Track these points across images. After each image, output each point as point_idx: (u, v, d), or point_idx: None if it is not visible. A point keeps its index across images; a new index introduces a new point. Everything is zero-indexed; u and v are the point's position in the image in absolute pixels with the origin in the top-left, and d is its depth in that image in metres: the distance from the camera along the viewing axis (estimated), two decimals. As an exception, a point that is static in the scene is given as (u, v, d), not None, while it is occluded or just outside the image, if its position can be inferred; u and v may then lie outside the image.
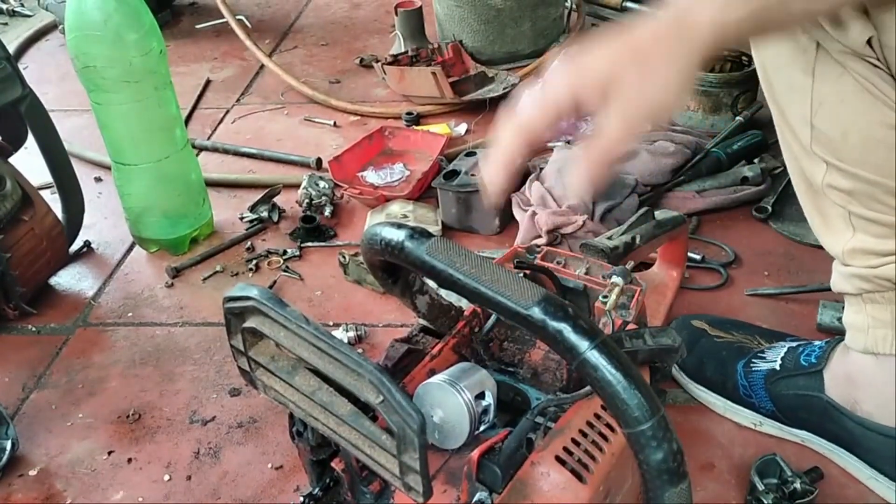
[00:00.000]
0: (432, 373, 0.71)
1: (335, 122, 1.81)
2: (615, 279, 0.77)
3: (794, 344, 1.00)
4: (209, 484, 1.01)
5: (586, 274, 0.81)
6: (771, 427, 1.00)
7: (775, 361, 0.98)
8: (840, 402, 0.92)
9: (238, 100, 1.96)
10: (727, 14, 0.59)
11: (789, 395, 0.95)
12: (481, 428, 0.66)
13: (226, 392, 1.14)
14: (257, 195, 1.50)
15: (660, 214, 0.99)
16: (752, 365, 1.00)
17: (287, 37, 2.27)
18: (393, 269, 0.68)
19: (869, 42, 0.69)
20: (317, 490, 0.68)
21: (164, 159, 1.35)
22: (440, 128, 1.69)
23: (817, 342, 0.98)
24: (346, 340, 1.19)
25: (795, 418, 0.97)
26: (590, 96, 0.60)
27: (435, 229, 1.38)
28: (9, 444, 1.04)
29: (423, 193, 1.49)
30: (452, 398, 0.64)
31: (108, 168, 1.48)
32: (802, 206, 0.87)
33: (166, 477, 1.03)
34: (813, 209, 0.86)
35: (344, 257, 1.32)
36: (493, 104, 1.75)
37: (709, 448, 0.99)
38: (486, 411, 0.66)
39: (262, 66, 2.05)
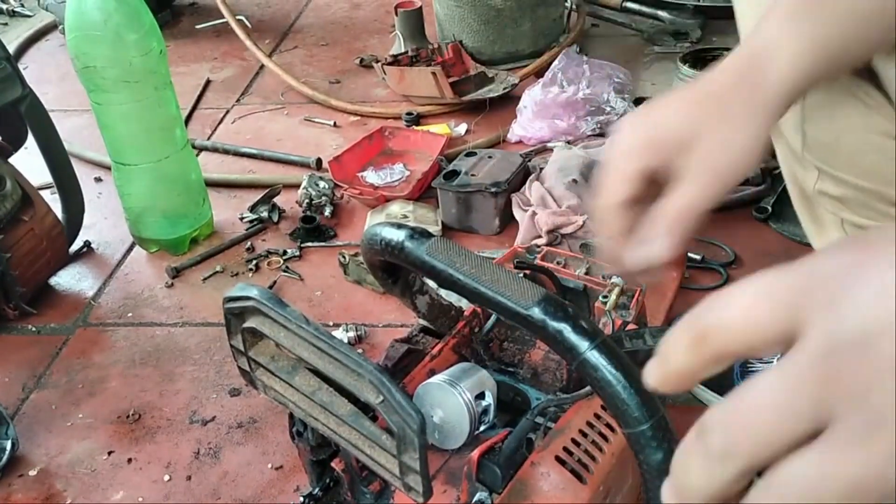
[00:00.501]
0: (432, 373, 0.71)
1: (335, 123, 1.81)
2: (615, 279, 0.77)
3: None
4: (209, 484, 1.01)
5: (586, 274, 0.81)
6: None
7: (772, 362, 0.98)
8: None
9: (238, 100, 1.96)
10: (804, 55, 0.57)
11: None
12: (481, 428, 0.66)
13: (226, 392, 1.14)
14: (257, 195, 1.50)
15: (660, 214, 0.99)
16: (749, 365, 1.00)
17: (287, 37, 2.27)
18: (393, 269, 0.68)
19: None
20: (317, 490, 0.68)
21: (164, 159, 1.35)
22: (440, 128, 1.69)
23: None
24: (346, 340, 1.18)
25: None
26: (667, 154, 0.57)
27: (435, 229, 1.38)
28: (9, 444, 1.04)
29: (423, 193, 1.49)
30: (452, 398, 0.64)
31: (108, 168, 1.48)
32: (797, 211, 0.87)
33: (166, 477, 1.03)
34: (807, 215, 0.85)
35: (344, 257, 1.32)
36: (493, 104, 1.75)
37: (709, 448, 0.99)
38: (486, 411, 0.66)
39: (262, 67, 2.05)
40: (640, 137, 0.59)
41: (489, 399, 0.66)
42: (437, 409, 0.65)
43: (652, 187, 0.59)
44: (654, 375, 0.36)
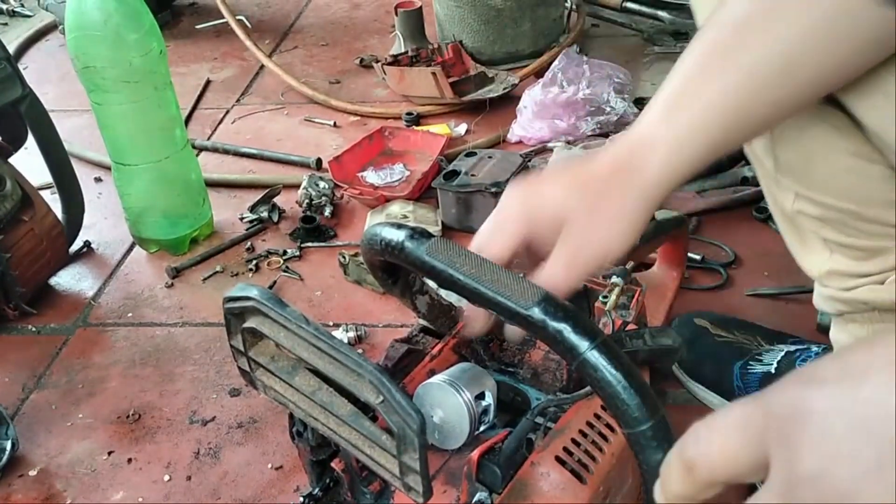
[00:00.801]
0: (432, 373, 0.71)
1: (335, 123, 1.81)
2: (615, 279, 0.77)
3: (793, 348, 1.00)
4: (209, 484, 1.01)
5: (586, 274, 0.81)
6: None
7: (771, 365, 0.98)
8: None
9: (238, 100, 1.96)
10: (678, 153, 0.60)
11: None
12: (481, 428, 0.66)
13: (226, 392, 1.14)
14: (257, 195, 1.50)
15: (660, 214, 0.99)
16: (748, 367, 1.00)
17: (287, 37, 2.27)
18: (393, 270, 0.68)
19: None
20: (317, 490, 0.68)
21: (163, 159, 1.35)
22: (440, 128, 1.69)
23: (815, 348, 0.98)
24: (346, 341, 1.18)
25: None
26: (542, 229, 0.60)
27: (435, 229, 1.38)
28: (9, 445, 1.04)
29: (423, 194, 1.49)
30: (452, 398, 0.64)
31: (108, 168, 1.48)
32: (780, 229, 0.87)
33: (166, 477, 1.03)
34: (789, 232, 0.85)
35: (344, 257, 1.32)
36: (493, 104, 1.75)
37: (709, 448, 0.99)
38: (486, 411, 0.66)
39: (262, 67, 2.05)
40: (520, 208, 0.61)
41: (489, 399, 0.66)
42: (438, 409, 0.64)
43: (534, 256, 0.63)
44: (660, 497, 0.40)
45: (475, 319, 0.65)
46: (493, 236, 0.62)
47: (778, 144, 0.75)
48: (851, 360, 0.34)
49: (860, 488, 0.31)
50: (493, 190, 1.35)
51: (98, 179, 1.66)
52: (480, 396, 0.66)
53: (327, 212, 1.47)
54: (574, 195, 0.61)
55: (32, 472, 1.05)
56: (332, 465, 0.65)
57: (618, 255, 0.62)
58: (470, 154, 1.47)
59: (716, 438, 0.37)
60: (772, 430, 0.35)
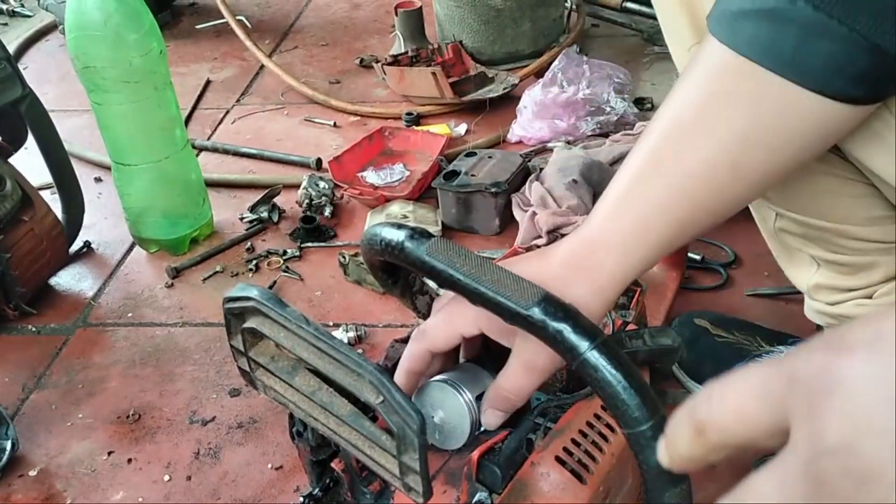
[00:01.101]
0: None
1: (335, 123, 1.81)
2: (615, 279, 0.76)
3: (793, 349, 1.00)
4: (209, 484, 1.01)
5: (586, 274, 0.81)
6: None
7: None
8: None
9: (238, 100, 1.96)
10: (628, 253, 0.60)
11: None
12: (482, 428, 0.66)
13: (226, 392, 1.14)
14: (257, 195, 1.50)
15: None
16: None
17: (287, 37, 2.27)
18: (393, 270, 0.68)
19: None
20: (317, 490, 0.68)
21: (163, 159, 1.35)
22: (440, 128, 1.69)
23: None
24: (346, 341, 1.18)
25: None
26: (495, 333, 0.60)
27: (435, 229, 1.38)
28: (9, 445, 1.04)
29: (423, 194, 1.49)
30: (453, 399, 0.64)
31: (108, 168, 1.48)
32: (768, 243, 0.87)
33: (166, 477, 1.03)
34: (777, 247, 0.85)
35: (344, 257, 1.32)
36: (493, 104, 1.75)
37: (709, 448, 0.99)
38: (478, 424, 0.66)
39: (262, 67, 2.05)
40: (473, 311, 0.59)
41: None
42: (438, 409, 0.64)
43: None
44: (664, 457, 0.38)
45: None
46: (440, 330, 0.61)
47: None
48: (886, 325, 0.31)
49: (890, 465, 0.29)
50: (493, 190, 1.35)
51: (98, 179, 1.66)
52: (481, 397, 0.65)
53: (327, 212, 1.47)
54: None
55: (32, 472, 1.05)
56: (332, 465, 0.65)
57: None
58: (470, 154, 1.47)
59: (731, 400, 0.35)
60: (795, 397, 0.33)
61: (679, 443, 0.37)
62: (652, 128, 0.62)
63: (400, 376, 0.63)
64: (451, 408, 0.64)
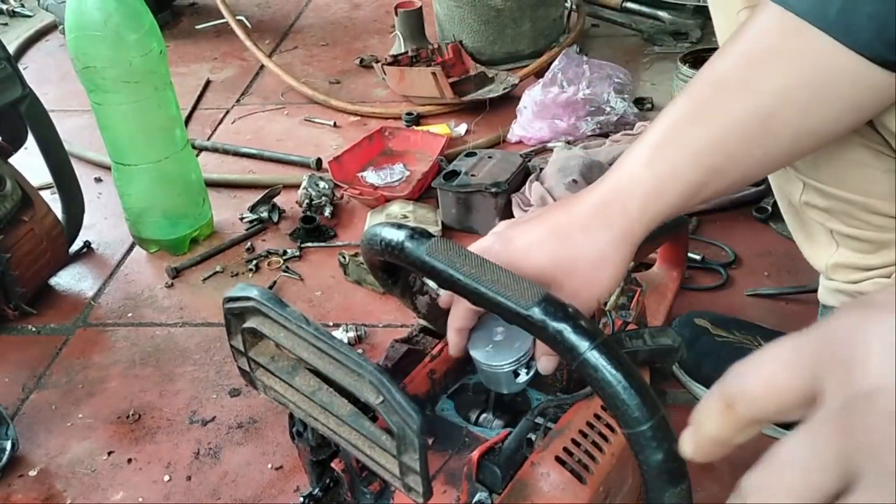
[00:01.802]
0: (432, 373, 0.71)
1: (335, 123, 1.81)
2: (615, 279, 0.76)
3: None
4: (209, 484, 1.01)
5: (586, 274, 0.81)
6: (767, 428, 0.99)
7: None
8: None
9: (238, 100, 1.96)
10: (657, 199, 0.61)
11: None
12: (521, 375, 0.66)
13: (226, 392, 1.14)
14: (257, 195, 1.50)
15: (660, 215, 0.99)
16: None
17: (287, 37, 2.27)
18: (393, 270, 0.68)
19: None
20: (317, 490, 0.68)
21: (163, 160, 1.35)
22: (440, 128, 1.69)
23: None
24: (346, 341, 1.18)
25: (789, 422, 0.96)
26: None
27: (435, 229, 1.38)
28: (9, 445, 1.04)
29: (423, 194, 1.49)
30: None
31: (108, 168, 1.48)
32: (786, 221, 0.87)
33: (166, 477, 1.03)
34: (796, 225, 0.85)
35: (344, 257, 1.32)
36: (493, 104, 1.75)
37: (709, 448, 0.99)
38: (530, 362, 0.66)
39: (262, 67, 2.05)
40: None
41: (534, 365, 0.66)
42: (499, 328, 0.65)
43: None
44: (689, 443, 0.38)
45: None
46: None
47: None
48: None
49: None
50: (493, 190, 1.35)
51: (98, 179, 1.66)
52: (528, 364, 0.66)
53: (327, 212, 1.47)
54: (558, 251, 0.61)
55: (32, 473, 1.05)
56: (332, 465, 0.65)
57: (606, 296, 0.63)
58: (470, 154, 1.47)
59: (762, 371, 0.35)
60: (826, 356, 0.33)
61: (707, 422, 0.37)
62: (694, 80, 0.64)
63: (451, 336, 0.65)
64: (515, 329, 0.64)
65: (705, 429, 0.37)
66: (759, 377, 0.35)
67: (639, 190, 0.62)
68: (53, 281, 1.39)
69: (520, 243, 0.62)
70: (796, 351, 0.34)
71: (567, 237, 0.61)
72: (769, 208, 1.36)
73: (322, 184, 1.49)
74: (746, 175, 0.65)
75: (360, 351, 1.15)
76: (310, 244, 1.42)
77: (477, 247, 0.63)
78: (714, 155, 0.62)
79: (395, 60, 1.85)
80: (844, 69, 0.58)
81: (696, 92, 0.64)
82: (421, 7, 1.93)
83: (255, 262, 1.39)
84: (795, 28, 0.59)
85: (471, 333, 0.66)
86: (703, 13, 2.00)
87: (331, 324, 1.24)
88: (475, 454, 0.61)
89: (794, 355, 0.34)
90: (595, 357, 0.51)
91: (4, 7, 2.57)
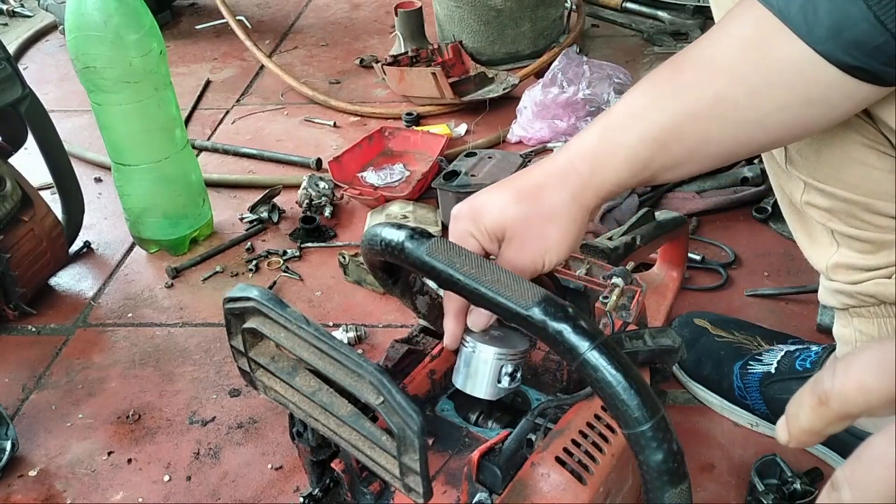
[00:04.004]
0: (432, 373, 0.71)
1: (335, 123, 1.81)
2: (615, 280, 0.77)
3: (793, 348, 1.00)
4: (209, 484, 1.01)
5: (587, 275, 0.81)
6: (766, 428, 1.00)
7: (771, 364, 0.98)
8: None
9: (238, 100, 1.96)
10: (605, 165, 0.65)
11: (782, 399, 0.95)
12: (503, 382, 0.66)
13: (226, 393, 1.14)
14: (257, 196, 1.50)
15: (660, 215, 0.99)
16: (748, 367, 1.00)
17: (287, 37, 2.27)
18: (393, 270, 0.68)
19: None
20: (317, 491, 0.68)
21: (163, 160, 1.35)
22: (440, 128, 1.69)
23: (815, 347, 0.98)
24: (346, 341, 1.19)
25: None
26: (488, 243, 0.66)
27: (435, 230, 1.38)
28: (9, 445, 1.04)
29: (423, 194, 1.49)
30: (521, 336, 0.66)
31: (108, 168, 1.48)
32: (787, 221, 0.87)
33: (166, 477, 1.03)
34: (797, 224, 0.85)
35: (344, 258, 1.32)
36: (493, 104, 1.75)
37: (709, 448, 0.99)
38: (516, 371, 0.66)
39: (262, 67, 2.05)
40: (465, 228, 0.66)
41: (519, 374, 0.67)
42: (501, 331, 0.67)
43: None
44: (784, 432, 0.44)
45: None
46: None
47: None
48: None
49: None
50: (493, 190, 1.35)
51: (98, 179, 1.66)
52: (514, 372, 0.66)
53: (327, 212, 1.47)
54: (513, 206, 0.65)
55: (32, 473, 1.05)
56: (332, 465, 0.65)
57: (555, 259, 0.66)
58: (470, 154, 1.47)
59: (853, 372, 0.40)
60: None
61: (801, 415, 0.42)
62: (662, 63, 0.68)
63: (448, 323, 0.67)
64: (513, 333, 0.66)
65: (800, 421, 0.42)
66: (851, 378, 0.40)
67: (588, 154, 0.65)
68: (53, 281, 1.39)
69: (481, 199, 0.67)
70: (883, 357, 0.40)
71: (522, 196, 0.65)
72: (769, 208, 1.36)
73: (322, 184, 1.49)
74: (695, 156, 0.66)
75: (360, 351, 1.15)
76: (310, 244, 1.42)
77: (454, 210, 0.68)
78: (662, 130, 0.64)
79: (395, 60, 1.85)
80: (798, 61, 0.59)
81: (656, 71, 0.67)
82: (421, 7, 1.93)
83: (255, 262, 1.39)
84: (764, 18, 0.60)
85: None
86: (703, 13, 2.00)
87: (331, 324, 1.24)
88: (475, 454, 0.61)
89: (880, 361, 0.40)
90: (595, 357, 0.51)
91: (4, 7, 2.57)
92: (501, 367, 0.65)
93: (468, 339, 0.66)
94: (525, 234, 0.65)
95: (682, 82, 0.64)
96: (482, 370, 0.65)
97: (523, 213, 0.65)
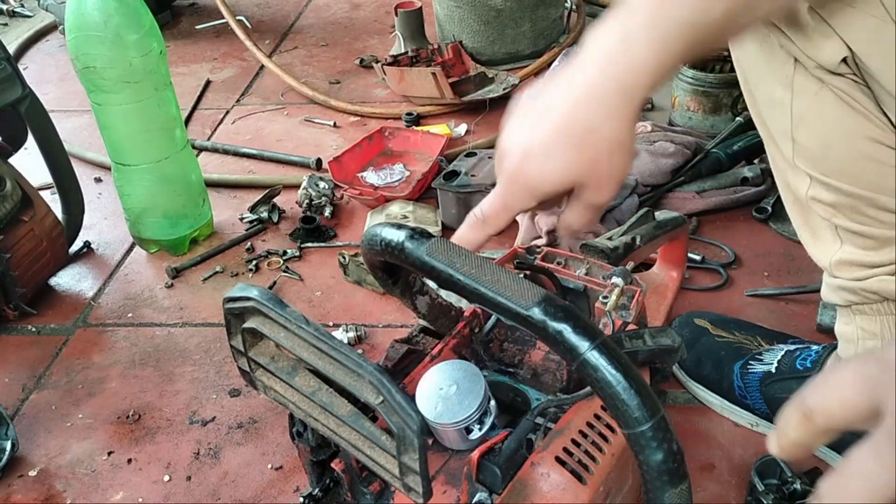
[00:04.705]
0: (432, 373, 0.71)
1: (335, 123, 1.81)
2: (615, 280, 0.77)
3: (793, 347, 1.00)
4: (209, 484, 1.01)
5: (586, 275, 0.81)
6: (766, 428, 1.00)
7: (772, 364, 0.98)
8: None
9: (238, 100, 1.96)
10: (665, 51, 0.60)
11: (783, 399, 0.95)
12: (474, 432, 0.65)
13: (226, 393, 1.14)
14: (257, 196, 1.50)
15: (660, 215, 0.99)
16: (748, 367, 1.00)
17: (287, 37, 2.27)
18: (393, 270, 0.68)
19: (845, 60, 0.68)
20: (317, 491, 0.68)
21: (163, 160, 1.35)
22: (440, 128, 1.69)
23: (815, 347, 0.98)
24: (345, 341, 1.18)
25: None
26: (554, 200, 0.66)
27: (435, 230, 1.38)
28: (9, 445, 1.04)
29: (423, 194, 1.49)
30: (476, 377, 0.64)
31: (108, 168, 1.48)
32: (791, 217, 0.87)
33: (166, 477, 1.03)
34: (801, 220, 0.85)
35: (344, 258, 1.32)
36: (493, 105, 1.76)
37: (709, 448, 0.99)
38: (483, 417, 0.65)
39: (262, 67, 2.05)
40: (521, 203, 0.67)
41: (490, 416, 0.66)
42: (454, 385, 0.65)
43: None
44: (775, 446, 0.46)
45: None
46: (498, 215, 0.68)
47: (798, 128, 0.75)
48: None
49: None
50: (493, 190, 1.35)
51: (98, 179, 1.66)
52: (485, 413, 0.65)
53: (327, 212, 1.47)
54: (571, 160, 0.62)
55: (32, 473, 1.05)
56: (332, 465, 0.65)
57: (627, 171, 0.64)
58: (470, 154, 1.47)
59: (834, 388, 0.43)
60: (885, 379, 0.40)
61: (789, 430, 0.44)
62: None
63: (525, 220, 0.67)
64: (469, 380, 0.64)
65: (788, 435, 0.45)
66: (832, 394, 0.43)
67: (642, 72, 0.60)
68: (53, 281, 1.39)
69: (527, 165, 0.64)
70: (862, 372, 0.42)
71: (576, 136, 0.61)
72: (769, 208, 1.36)
73: (322, 184, 1.49)
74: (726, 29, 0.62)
75: (360, 351, 1.15)
76: (310, 244, 1.42)
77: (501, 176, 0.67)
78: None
79: (395, 60, 1.85)
80: None
81: None
82: (421, 7, 1.93)
83: (255, 262, 1.39)
84: None
85: (419, 388, 0.65)
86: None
87: (331, 324, 1.24)
88: (475, 454, 0.61)
89: (861, 377, 0.42)
90: (595, 357, 0.51)
91: (4, 7, 2.57)
92: (465, 427, 0.64)
93: (424, 415, 0.64)
94: (595, 174, 0.62)
95: None
96: (451, 438, 0.65)
97: (587, 160, 0.62)
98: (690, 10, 0.59)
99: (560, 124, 0.62)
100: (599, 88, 0.61)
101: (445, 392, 0.64)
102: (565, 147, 0.62)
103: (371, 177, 1.54)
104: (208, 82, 2.04)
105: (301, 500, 0.68)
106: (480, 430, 0.65)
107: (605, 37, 0.61)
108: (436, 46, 1.88)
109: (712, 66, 1.57)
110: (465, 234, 0.68)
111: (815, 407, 0.43)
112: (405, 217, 1.40)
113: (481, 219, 0.67)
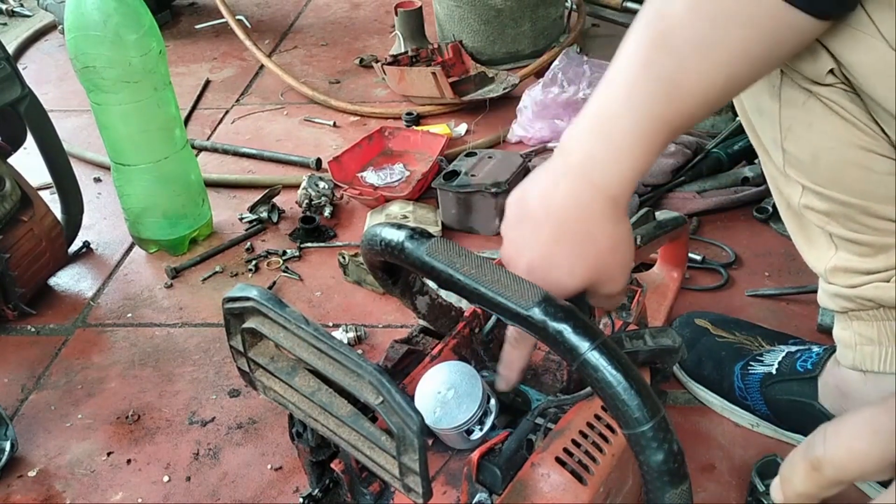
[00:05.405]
0: (432, 373, 0.71)
1: (335, 123, 1.81)
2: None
3: (794, 349, 1.00)
4: (208, 485, 1.01)
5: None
6: (767, 429, 0.99)
7: (772, 365, 0.98)
8: (832, 411, 0.91)
9: (237, 100, 1.95)
10: (633, 160, 0.61)
11: (783, 400, 0.95)
12: (475, 433, 0.65)
13: (225, 393, 1.14)
14: (257, 196, 1.50)
15: (660, 215, 0.99)
16: (749, 368, 1.00)
17: (287, 37, 2.27)
18: (393, 270, 0.68)
19: (832, 71, 0.68)
20: (316, 491, 0.68)
21: (163, 160, 1.35)
22: (440, 128, 1.69)
23: (816, 348, 0.98)
24: (345, 341, 1.18)
25: (790, 422, 0.96)
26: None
27: (435, 230, 1.38)
28: (8, 445, 1.04)
29: (422, 194, 1.49)
30: (473, 378, 0.64)
31: (108, 168, 1.48)
32: (785, 223, 0.87)
33: (165, 478, 1.03)
34: (795, 227, 0.85)
35: (344, 258, 1.32)
36: (494, 104, 1.75)
37: (709, 449, 0.99)
38: (484, 418, 0.65)
39: (262, 67, 2.05)
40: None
41: (491, 415, 0.66)
42: (452, 389, 0.64)
43: None
44: (780, 494, 0.44)
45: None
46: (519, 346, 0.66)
47: (787, 138, 0.75)
48: None
49: None
50: (493, 190, 1.35)
51: (98, 179, 1.66)
52: (485, 414, 0.65)
53: (327, 212, 1.47)
54: (585, 265, 0.62)
55: (32, 473, 1.05)
56: (332, 465, 0.65)
57: (632, 266, 0.66)
58: (470, 154, 1.47)
59: (844, 438, 0.41)
60: None
61: (795, 481, 0.42)
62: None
63: (508, 371, 0.67)
64: (467, 383, 0.64)
65: (794, 485, 0.43)
66: (842, 444, 0.41)
67: (592, 155, 0.61)
68: (53, 281, 1.39)
69: (546, 274, 0.63)
70: (873, 422, 0.40)
71: (575, 245, 0.62)
72: (770, 208, 1.36)
73: (322, 184, 1.49)
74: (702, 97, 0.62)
75: (359, 351, 1.15)
76: (309, 244, 1.42)
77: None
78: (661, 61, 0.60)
79: (395, 60, 1.84)
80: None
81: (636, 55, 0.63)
82: (421, 7, 1.93)
83: (254, 262, 1.39)
84: None
85: (416, 393, 0.66)
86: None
87: (331, 324, 1.24)
88: (475, 455, 0.60)
89: (872, 426, 0.40)
90: (595, 357, 0.50)
91: (4, 7, 2.57)
92: (466, 429, 0.64)
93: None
94: (606, 274, 0.63)
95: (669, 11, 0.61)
96: (452, 439, 0.65)
97: (598, 265, 0.63)
98: (676, 112, 0.61)
99: (557, 236, 0.63)
100: (589, 200, 0.62)
101: (443, 396, 0.64)
102: (567, 256, 0.63)
103: (371, 177, 1.54)
104: (208, 82, 2.04)
105: (301, 500, 0.68)
106: (482, 430, 0.65)
107: (589, 143, 0.62)
108: (436, 46, 1.88)
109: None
110: (508, 355, 0.67)
111: (824, 458, 0.41)
112: (405, 217, 1.39)
113: (517, 337, 0.66)
